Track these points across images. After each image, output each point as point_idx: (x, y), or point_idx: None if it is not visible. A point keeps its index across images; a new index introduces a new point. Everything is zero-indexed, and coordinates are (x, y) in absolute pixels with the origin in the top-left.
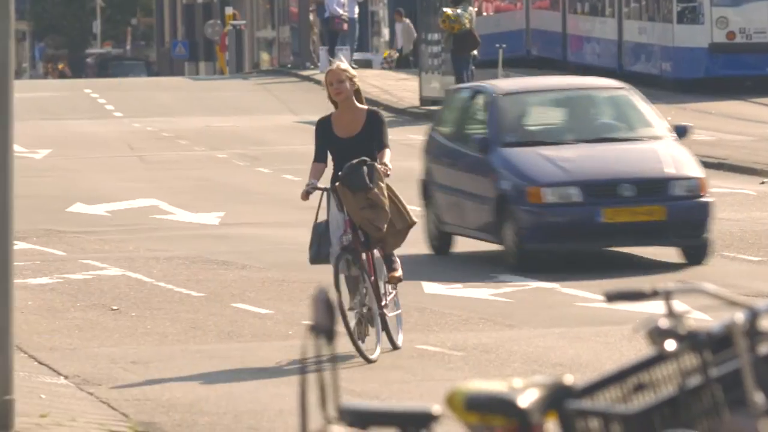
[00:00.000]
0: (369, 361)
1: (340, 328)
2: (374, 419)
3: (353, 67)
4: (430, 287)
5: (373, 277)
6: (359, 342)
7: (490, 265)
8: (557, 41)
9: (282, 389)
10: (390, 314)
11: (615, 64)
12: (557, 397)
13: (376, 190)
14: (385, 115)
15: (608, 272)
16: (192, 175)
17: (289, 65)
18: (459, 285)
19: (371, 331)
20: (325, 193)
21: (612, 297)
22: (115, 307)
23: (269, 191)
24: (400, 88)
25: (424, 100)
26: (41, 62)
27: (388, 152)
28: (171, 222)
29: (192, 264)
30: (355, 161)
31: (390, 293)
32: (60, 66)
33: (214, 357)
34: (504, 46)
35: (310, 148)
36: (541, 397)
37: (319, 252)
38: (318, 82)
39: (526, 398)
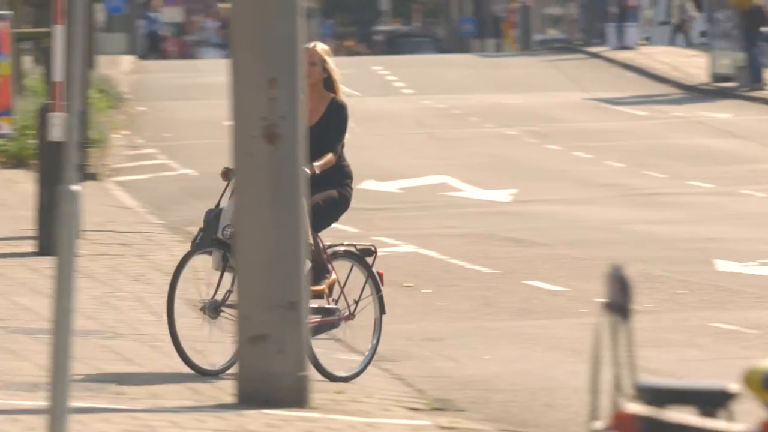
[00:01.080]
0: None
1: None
2: (672, 398)
3: (641, 44)
4: (723, 265)
5: None
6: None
7: None
8: None
9: (577, 367)
10: (312, 339)
11: None
12: None
13: None
14: (674, 93)
15: None
16: (482, 152)
17: (576, 42)
18: (753, 263)
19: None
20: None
21: None
22: (408, 284)
23: (560, 168)
24: (690, 65)
25: (715, 77)
26: (330, 39)
27: (329, 158)
28: (462, 199)
29: (484, 241)
30: None
31: (313, 316)
32: (347, 43)
33: (507, 334)
34: None
35: (601, 125)
36: None
37: (202, 240)
38: (607, 59)
39: None
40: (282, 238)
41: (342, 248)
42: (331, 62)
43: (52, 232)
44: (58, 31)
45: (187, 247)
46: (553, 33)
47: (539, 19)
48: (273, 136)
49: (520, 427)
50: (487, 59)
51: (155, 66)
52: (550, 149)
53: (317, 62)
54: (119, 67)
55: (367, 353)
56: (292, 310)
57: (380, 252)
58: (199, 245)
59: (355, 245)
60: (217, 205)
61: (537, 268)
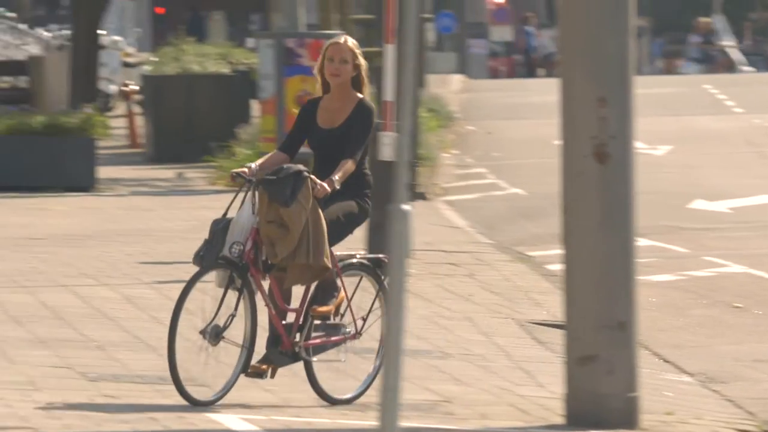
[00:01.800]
0: (194, 401)
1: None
2: None
3: None
4: None
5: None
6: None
7: None
8: None
9: None
10: (314, 359)
11: None
12: None
13: (293, 209)
14: None
15: None
16: None
17: None
18: None
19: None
20: (247, 187)
21: None
22: (738, 305)
23: None
24: None
25: None
26: (660, 58)
27: (347, 167)
28: None
29: None
30: (293, 169)
31: (317, 334)
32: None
33: None
34: None
35: None
36: None
37: (206, 254)
38: None
39: None
40: (612, 258)
41: (355, 260)
42: (362, 59)
43: (383, 251)
44: (389, 51)
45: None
46: None
47: None
48: (603, 156)
49: None
50: None
51: (485, 85)
52: None
53: (348, 59)
54: (449, 87)
55: (369, 374)
56: (622, 331)
57: (709, 272)
58: (206, 266)
59: (366, 257)
60: (224, 215)
61: None
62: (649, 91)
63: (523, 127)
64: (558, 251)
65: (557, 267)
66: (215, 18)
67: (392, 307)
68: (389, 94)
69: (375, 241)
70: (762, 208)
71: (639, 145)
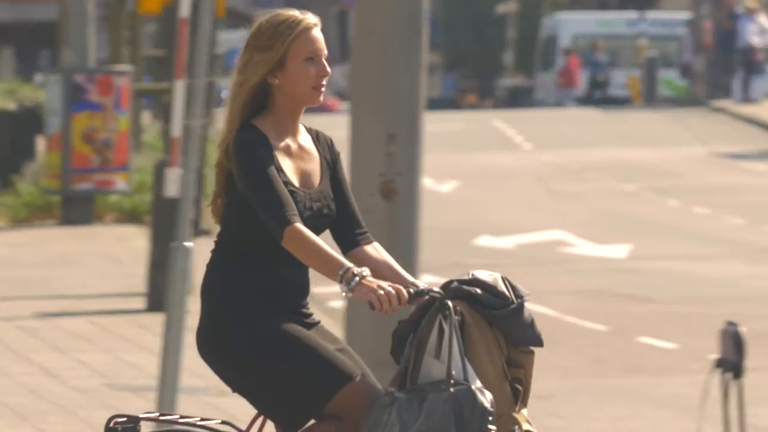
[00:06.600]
0: None
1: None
2: None
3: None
4: None
5: None
6: None
7: None
8: None
9: (688, 425)
10: None
11: None
12: None
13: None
14: None
15: None
16: (599, 207)
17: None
18: None
19: None
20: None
21: None
22: None
23: (678, 224)
24: None
25: None
26: (452, 92)
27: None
28: (577, 255)
29: (597, 297)
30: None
31: None
32: (469, 98)
33: (617, 392)
34: None
35: (722, 181)
36: None
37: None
38: (731, 113)
39: None
40: None
41: None
42: None
43: (163, 288)
44: (179, 87)
45: None
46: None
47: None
48: (389, 192)
49: None
50: (608, 113)
51: None
52: (668, 205)
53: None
54: None
55: None
56: None
57: None
58: None
59: None
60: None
61: (650, 324)
62: (438, 126)
63: None
64: (338, 288)
65: (338, 304)
66: (3, 53)
67: (169, 344)
68: (176, 130)
69: (156, 278)
70: (547, 244)
71: (426, 182)
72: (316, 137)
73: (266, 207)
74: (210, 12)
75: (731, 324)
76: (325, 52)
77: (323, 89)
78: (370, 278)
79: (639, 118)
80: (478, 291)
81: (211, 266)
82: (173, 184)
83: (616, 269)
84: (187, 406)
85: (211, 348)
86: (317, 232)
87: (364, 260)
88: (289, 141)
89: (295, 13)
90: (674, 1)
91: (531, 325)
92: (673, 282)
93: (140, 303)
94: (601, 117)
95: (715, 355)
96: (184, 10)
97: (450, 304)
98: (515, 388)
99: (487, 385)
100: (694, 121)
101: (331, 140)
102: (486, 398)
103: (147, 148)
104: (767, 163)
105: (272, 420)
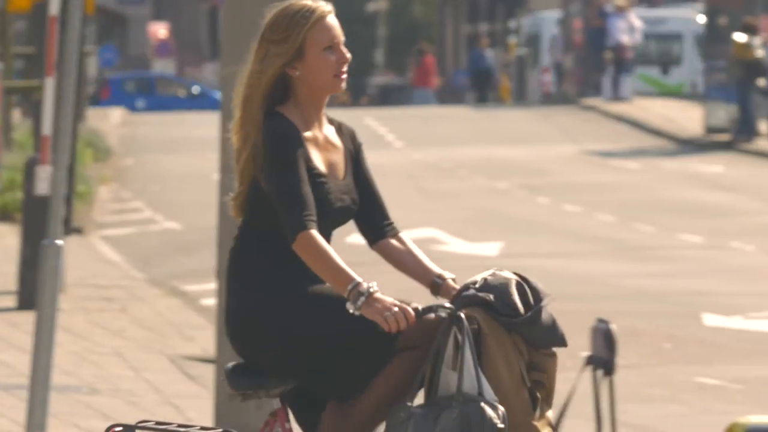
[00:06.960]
0: None
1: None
2: None
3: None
4: (710, 319)
5: None
6: None
7: None
8: None
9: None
10: None
11: None
12: None
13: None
14: (668, 145)
15: None
16: (471, 205)
17: (572, 94)
18: (741, 317)
19: None
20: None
21: None
22: None
23: (549, 221)
24: (685, 117)
25: (709, 129)
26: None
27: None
28: (449, 253)
29: None
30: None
31: None
32: (341, 97)
33: None
34: None
35: (592, 178)
36: None
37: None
38: (601, 111)
39: None
40: None
41: None
42: None
43: (34, 286)
44: (49, 84)
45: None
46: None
47: (535, 70)
48: None
49: None
50: (481, 112)
51: (146, 119)
52: (539, 202)
53: None
54: (109, 120)
55: None
56: None
57: None
58: None
59: None
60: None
61: None
62: None
63: (182, 161)
64: (212, 285)
65: (211, 302)
66: None
67: (41, 342)
68: (47, 128)
69: (27, 276)
70: (420, 242)
71: None
72: (339, 128)
73: (285, 206)
74: (80, 9)
75: (602, 321)
76: (342, 38)
77: (344, 76)
78: (378, 295)
79: (511, 117)
80: (491, 297)
81: (239, 252)
82: (44, 182)
83: (487, 267)
84: (59, 405)
85: (262, 332)
86: (340, 225)
87: (390, 252)
88: (316, 131)
89: (308, 2)
90: (545, 0)
91: (552, 326)
92: (543, 279)
93: (11, 301)
94: (473, 115)
95: (586, 353)
96: (54, 7)
97: (463, 315)
98: (534, 395)
99: (502, 395)
100: (564, 119)
101: (353, 131)
102: (497, 413)
103: (17, 145)
104: (637, 161)
105: (332, 395)
